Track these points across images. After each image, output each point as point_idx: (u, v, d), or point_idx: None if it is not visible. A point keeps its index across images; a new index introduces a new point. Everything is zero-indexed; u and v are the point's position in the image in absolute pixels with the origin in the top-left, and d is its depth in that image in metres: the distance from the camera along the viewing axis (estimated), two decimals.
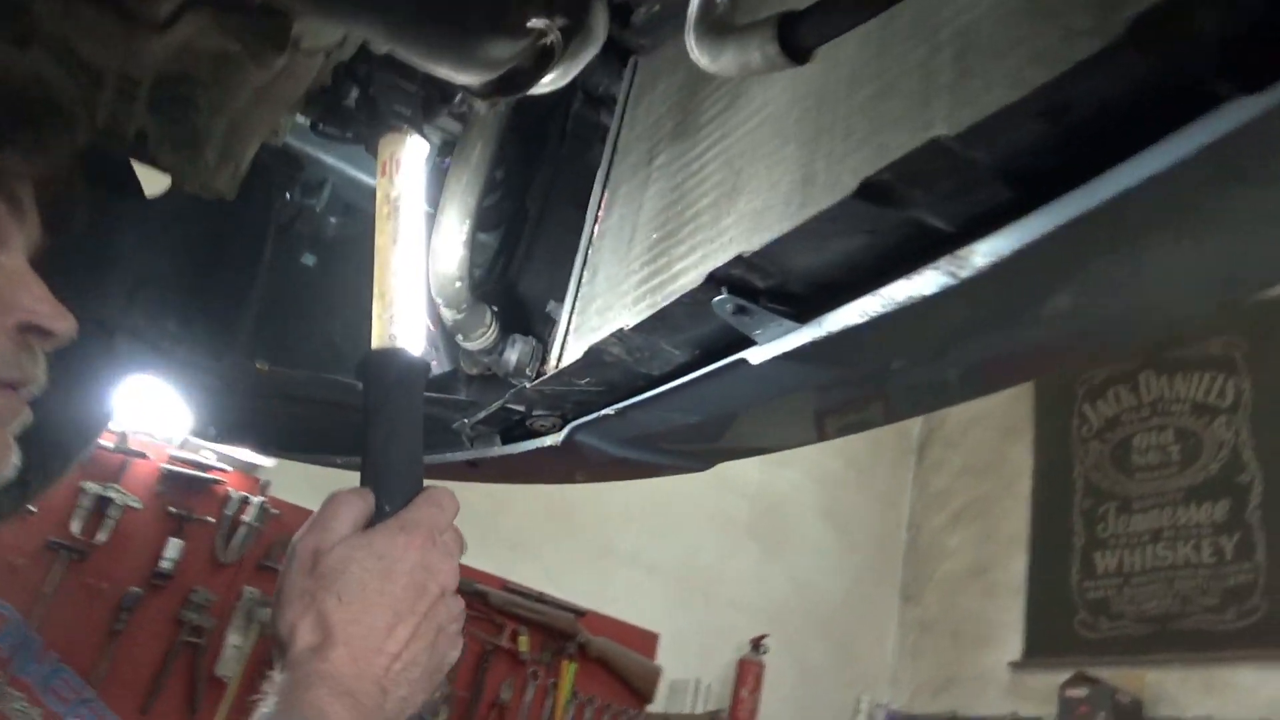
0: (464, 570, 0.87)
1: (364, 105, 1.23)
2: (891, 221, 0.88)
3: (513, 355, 1.40)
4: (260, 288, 1.70)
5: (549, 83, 0.87)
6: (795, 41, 0.75)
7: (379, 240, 1.05)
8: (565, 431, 1.37)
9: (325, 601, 0.75)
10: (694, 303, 1.06)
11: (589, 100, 1.68)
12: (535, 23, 0.77)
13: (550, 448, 1.41)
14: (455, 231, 1.23)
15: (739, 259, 0.97)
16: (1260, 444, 4.35)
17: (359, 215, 1.66)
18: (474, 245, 1.27)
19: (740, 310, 1.03)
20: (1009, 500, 5.43)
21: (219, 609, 3.72)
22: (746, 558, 5.19)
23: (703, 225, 1.20)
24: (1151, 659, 4.39)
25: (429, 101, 1.14)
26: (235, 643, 3.70)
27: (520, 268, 1.54)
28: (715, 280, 1.02)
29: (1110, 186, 0.72)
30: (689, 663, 4.63)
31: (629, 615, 4.58)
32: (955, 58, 0.90)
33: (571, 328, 1.43)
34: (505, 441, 1.52)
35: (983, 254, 0.83)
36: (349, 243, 1.81)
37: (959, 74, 0.88)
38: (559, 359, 1.40)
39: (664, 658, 4.58)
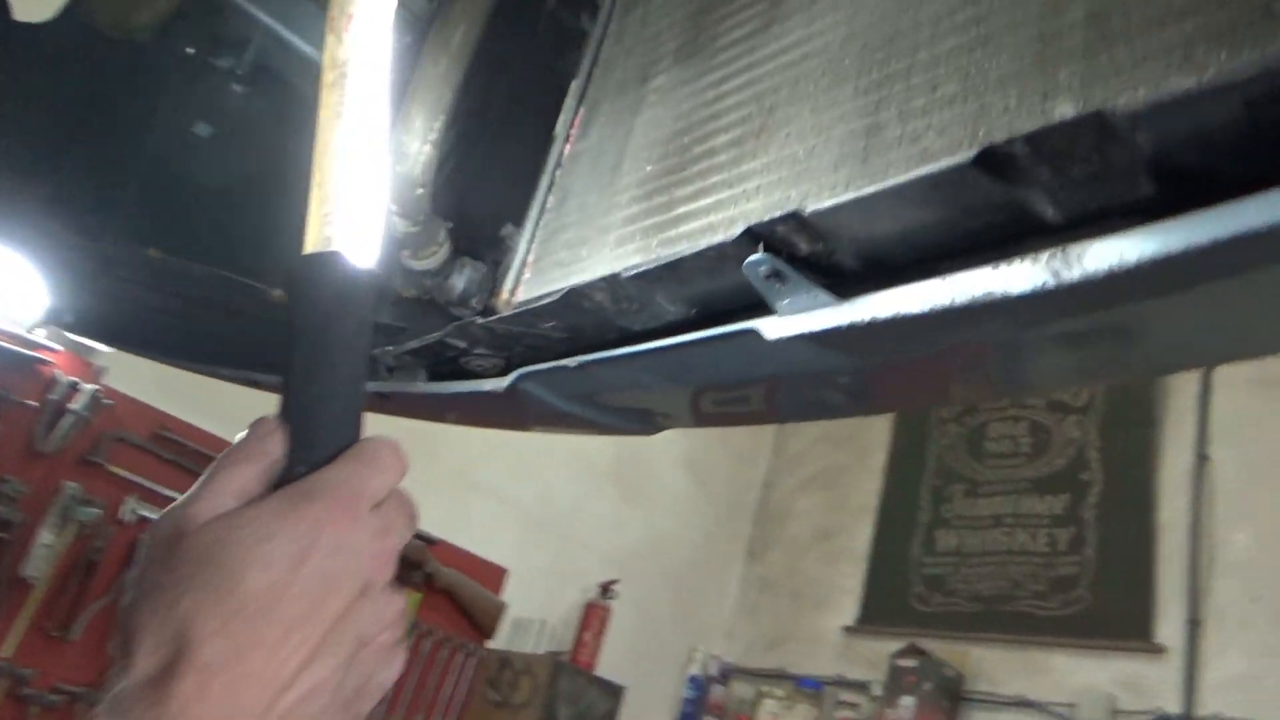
0: None
1: None
2: (994, 200, 0.75)
3: (459, 281, 1.21)
4: (146, 157, 1.42)
5: None
6: None
7: (321, 115, 0.82)
8: (511, 378, 1.19)
9: (179, 606, 0.51)
10: (718, 257, 0.90)
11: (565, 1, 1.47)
12: None
13: (489, 393, 1.23)
14: (424, 127, 1.03)
15: (793, 216, 0.82)
16: (1105, 446, 4.58)
17: (279, 85, 1.40)
18: (443, 149, 1.07)
19: (775, 275, 0.88)
20: (862, 471, 5.56)
21: (31, 503, 3.33)
22: (604, 501, 5.12)
23: (718, 166, 1.04)
24: (978, 637, 4.61)
25: None
26: (46, 541, 3.32)
27: (474, 179, 1.34)
28: (753, 235, 0.86)
29: None
30: (536, 601, 4.53)
31: (481, 549, 4.43)
32: (1089, 19, 0.77)
33: (530, 258, 1.24)
34: (432, 378, 1.32)
35: (1099, 256, 0.71)
36: (256, 119, 1.54)
37: (1098, 38, 0.75)
38: (512, 292, 1.22)
39: (511, 594, 4.47)
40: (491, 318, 1.14)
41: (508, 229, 1.28)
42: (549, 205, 1.28)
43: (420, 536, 4.13)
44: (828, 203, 0.80)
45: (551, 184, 1.30)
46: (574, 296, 1.04)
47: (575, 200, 1.24)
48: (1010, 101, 0.78)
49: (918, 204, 0.78)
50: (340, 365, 0.65)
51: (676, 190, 1.07)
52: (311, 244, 0.74)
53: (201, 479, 0.57)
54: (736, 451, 5.87)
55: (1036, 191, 0.74)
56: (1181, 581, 3.98)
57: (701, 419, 1.34)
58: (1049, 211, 0.75)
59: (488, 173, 1.36)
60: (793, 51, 1.04)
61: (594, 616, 4.59)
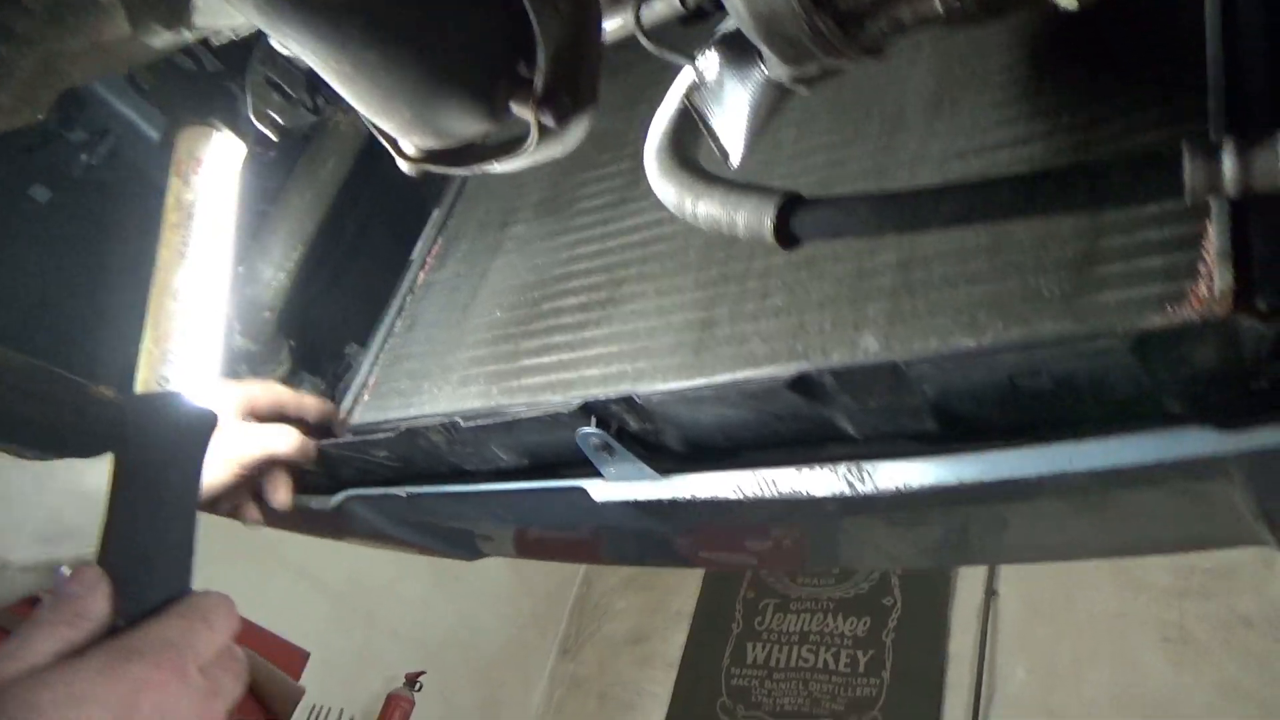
0: None
1: (207, 80, 1.00)
2: (803, 413, 0.84)
3: None
4: None
5: (492, 169, 0.74)
6: (790, 227, 0.68)
7: (162, 254, 0.84)
8: (339, 498, 1.20)
9: None
10: (553, 422, 0.95)
11: None
12: (520, 111, 0.64)
13: (316, 510, 1.23)
14: (281, 256, 1.04)
15: (626, 400, 0.88)
16: (906, 573, 4.84)
17: (124, 161, 1.37)
18: (297, 276, 1.08)
19: (605, 447, 0.93)
20: (683, 576, 5.64)
21: None
22: (417, 584, 4.97)
23: (564, 327, 1.10)
24: None
25: (287, 103, 0.95)
26: None
27: (322, 294, 1.34)
28: (589, 409, 0.92)
29: (1051, 461, 0.71)
30: (336, 689, 4.32)
31: (281, 627, 4.21)
32: (900, 265, 0.87)
33: (371, 380, 1.26)
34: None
35: (891, 476, 0.80)
36: (100, 188, 1.50)
37: (903, 284, 0.86)
38: (349, 413, 1.23)
39: (310, 679, 4.25)
40: (328, 441, 1.14)
41: (352, 348, 1.30)
42: (396, 329, 1.30)
43: None
44: (660, 388, 0.86)
45: (402, 308, 1.32)
46: (410, 435, 1.07)
47: (423, 331, 1.27)
48: (826, 324, 0.88)
49: (737, 405, 0.85)
50: (174, 513, 0.63)
51: (522, 342, 1.12)
52: (145, 382, 0.74)
53: (16, 632, 0.54)
54: None
55: (840, 412, 0.82)
56: (966, 711, 4.22)
57: (525, 550, 1.37)
58: (849, 429, 0.84)
59: (339, 287, 1.37)
60: (643, 232, 1.12)
61: (395, 708, 4.42)
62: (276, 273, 1.04)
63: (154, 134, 1.24)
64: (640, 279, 1.07)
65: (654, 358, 0.98)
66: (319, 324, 1.35)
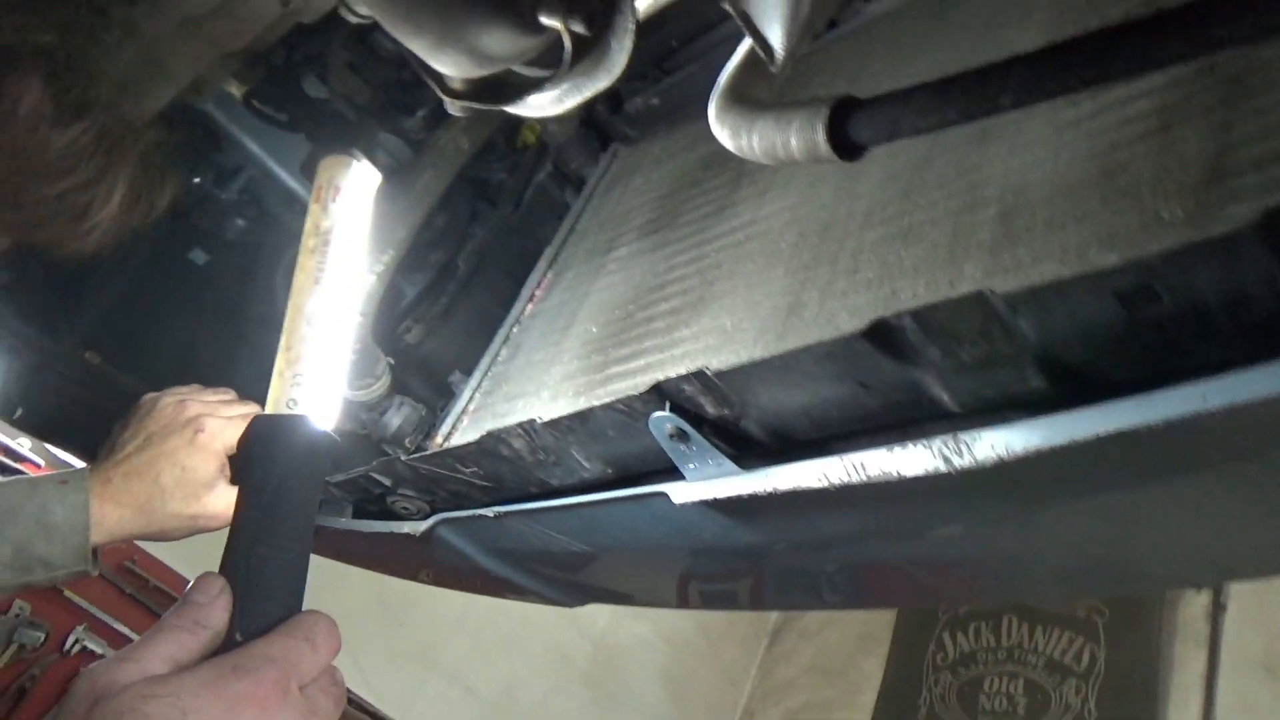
0: None
1: (310, 103, 1.05)
2: (890, 378, 0.74)
3: (395, 419, 1.19)
4: (128, 270, 1.46)
5: (538, 105, 0.70)
6: (847, 133, 0.60)
7: (298, 278, 0.85)
8: (430, 522, 1.16)
9: None
10: (627, 412, 0.89)
11: (557, 174, 1.54)
12: (549, 20, 0.61)
13: (406, 535, 1.19)
14: (372, 258, 1.05)
15: (697, 375, 0.81)
16: (1103, 717, 4.31)
17: (269, 221, 1.45)
18: (389, 281, 1.09)
19: (679, 435, 0.86)
20: (851, 710, 5.25)
21: None
22: (572, 702, 4.85)
23: (655, 331, 1.04)
24: None
25: (385, 110, 0.97)
26: None
27: (432, 327, 1.35)
28: (660, 393, 0.85)
29: (1181, 403, 0.58)
30: None
31: None
32: (1000, 217, 0.78)
33: (471, 407, 1.23)
34: (356, 515, 1.29)
35: (991, 444, 0.68)
36: (249, 249, 1.59)
37: (1002, 235, 0.76)
38: (446, 437, 1.20)
39: None
40: (416, 456, 1.11)
41: (455, 376, 1.28)
42: (500, 358, 1.29)
43: (370, 712, 3.91)
44: (730, 363, 0.79)
45: (507, 338, 1.31)
46: (491, 441, 1.02)
47: (524, 357, 1.24)
48: (920, 288, 0.79)
49: (817, 374, 0.76)
50: (291, 531, 0.63)
51: (613, 351, 1.07)
52: (274, 403, 0.75)
53: (142, 638, 0.56)
54: (722, 668, 5.59)
55: (931, 375, 0.72)
56: None
57: (621, 587, 1.29)
58: (944, 397, 0.73)
59: (449, 323, 1.38)
60: (739, 233, 1.06)
61: None
62: (368, 276, 1.05)
63: (283, 172, 1.31)
64: (731, 277, 1.01)
65: (738, 347, 0.91)
66: (429, 357, 1.36)
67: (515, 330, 1.32)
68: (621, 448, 0.97)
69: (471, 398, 1.24)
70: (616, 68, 0.69)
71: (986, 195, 0.80)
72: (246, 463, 0.66)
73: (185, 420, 1.04)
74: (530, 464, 1.05)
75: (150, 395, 1.02)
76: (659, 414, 0.85)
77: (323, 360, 0.78)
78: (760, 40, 0.66)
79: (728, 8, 0.68)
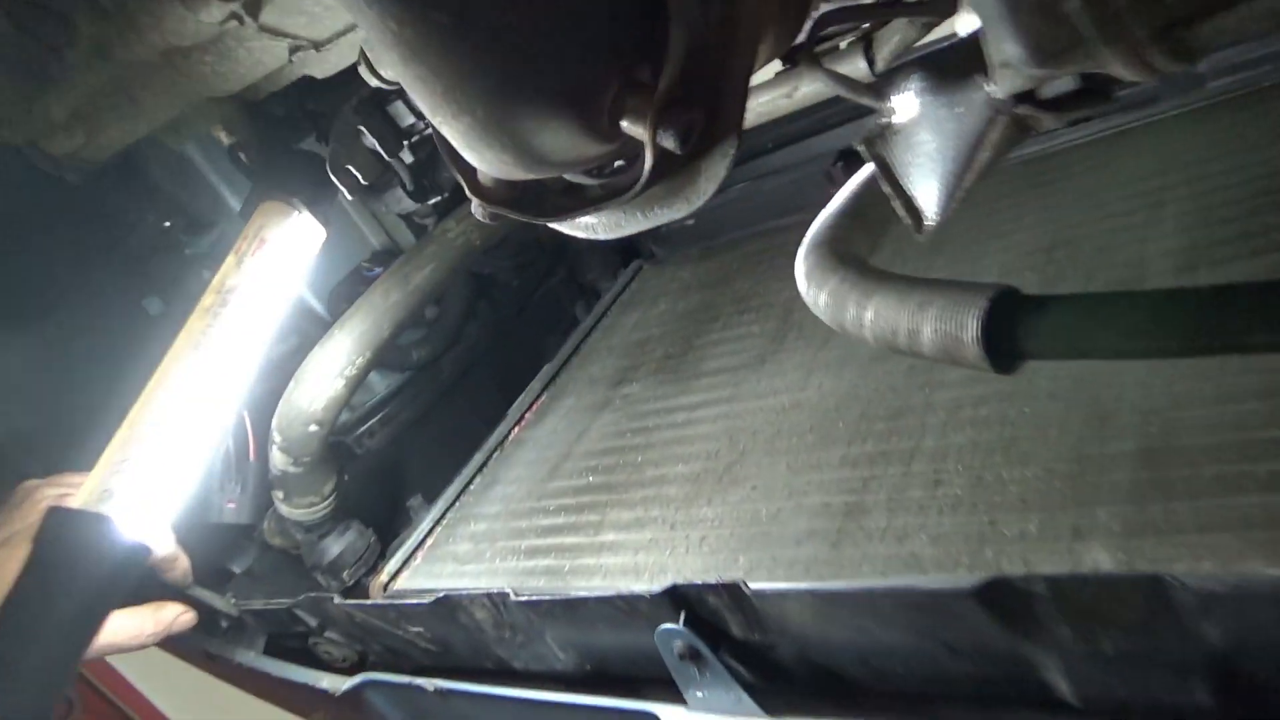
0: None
1: (302, 155, 0.89)
2: (992, 648, 0.56)
3: (336, 546, 0.99)
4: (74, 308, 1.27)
5: (588, 226, 0.54)
6: (1011, 338, 0.44)
7: (178, 339, 0.73)
8: (354, 682, 0.95)
9: None
10: (628, 610, 0.70)
11: (570, 281, 1.38)
12: (633, 129, 0.44)
13: (323, 691, 0.98)
14: (343, 360, 0.87)
15: (730, 589, 0.63)
16: None
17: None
18: (357, 387, 0.91)
19: (691, 655, 0.67)
20: None
21: None
22: None
23: (668, 499, 0.86)
24: None
25: (372, 159, 0.80)
26: None
27: (398, 435, 1.16)
28: (676, 598, 0.67)
29: None
30: None
31: None
32: (1142, 455, 0.61)
33: (428, 542, 1.04)
34: (270, 649, 1.08)
35: None
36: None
37: (1151, 482, 0.59)
38: (393, 575, 1.00)
39: None
40: (352, 602, 0.91)
41: (416, 500, 1.09)
42: (473, 486, 1.09)
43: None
44: (779, 585, 0.60)
45: (484, 464, 1.12)
46: (449, 606, 0.83)
47: (501, 490, 1.05)
48: (1030, 527, 0.61)
49: (892, 621, 0.58)
50: (56, 633, 0.55)
51: (611, 512, 0.89)
52: (87, 491, 0.63)
53: None
54: None
55: (1050, 654, 0.54)
56: None
57: None
58: (1062, 685, 0.56)
59: (422, 433, 1.19)
60: (782, 396, 0.89)
61: None
62: (334, 380, 0.87)
63: None
64: (770, 451, 0.83)
65: (775, 546, 0.73)
66: (386, 473, 1.16)
67: (496, 456, 1.13)
68: (609, 645, 0.78)
69: (431, 531, 1.05)
70: (699, 198, 0.52)
71: (1120, 420, 0.64)
72: (33, 554, 0.59)
73: None
74: (491, 639, 0.85)
75: (30, 483, 0.82)
76: (671, 626, 0.67)
77: (167, 449, 0.66)
78: (904, 197, 0.50)
79: (861, 150, 0.52)
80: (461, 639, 0.88)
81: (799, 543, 0.72)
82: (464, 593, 0.81)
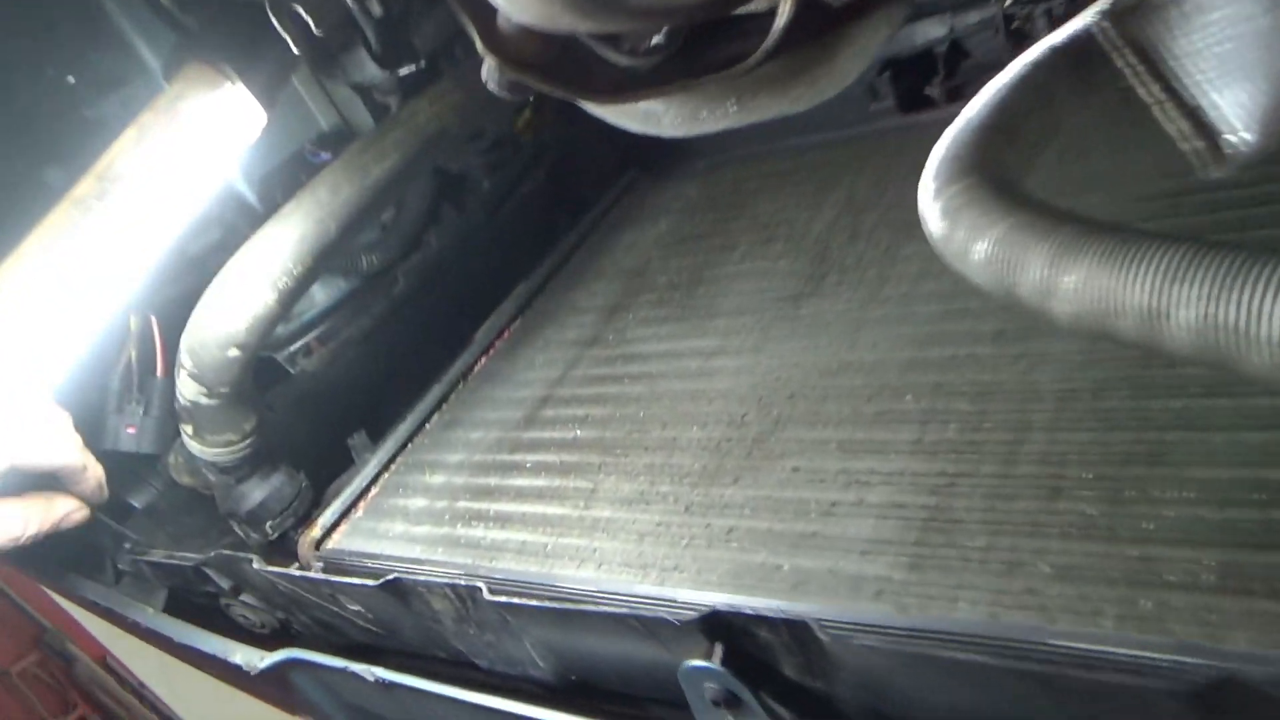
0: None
1: (248, 13, 0.67)
2: None
3: (258, 492, 0.81)
4: None
5: (665, 119, 0.36)
6: None
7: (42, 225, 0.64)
8: (275, 659, 0.78)
9: None
10: (645, 631, 0.54)
11: (551, 188, 1.18)
12: None
13: (238, 667, 0.81)
14: (276, 266, 0.67)
15: (791, 625, 0.47)
16: None
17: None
18: (293, 302, 0.71)
19: (728, 701, 0.51)
20: None
21: None
22: None
23: (681, 471, 0.69)
24: None
25: (337, 37, 0.60)
26: None
27: (340, 356, 0.97)
28: (714, 627, 0.50)
29: None
30: None
31: None
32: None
33: (373, 493, 0.86)
34: (171, 603, 0.90)
35: None
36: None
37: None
38: (327, 532, 0.83)
39: None
40: (275, 570, 0.73)
41: (359, 438, 0.90)
42: (429, 425, 0.91)
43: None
44: (863, 619, 0.44)
45: (444, 399, 0.94)
46: (399, 591, 0.66)
47: (463, 433, 0.87)
48: (1206, 573, 0.46)
49: (1000, 685, 0.43)
50: None
51: (605, 480, 0.72)
52: None
53: None
54: None
55: None
56: None
57: None
58: None
59: (368, 354, 1.00)
60: (826, 352, 0.72)
61: None
62: (263, 291, 0.67)
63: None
64: (814, 423, 0.67)
65: (830, 554, 0.56)
66: (324, 405, 0.97)
67: (458, 390, 0.95)
68: (606, 657, 0.61)
69: (376, 478, 0.87)
70: (832, 84, 0.35)
71: None
72: None
73: None
74: (449, 631, 0.68)
75: None
76: (703, 665, 0.51)
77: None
78: (1184, 105, 0.33)
79: (1098, 26, 0.34)
80: (410, 624, 0.71)
81: (864, 554, 0.56)
82: (420, 579, 0.64)
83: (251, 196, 0.97)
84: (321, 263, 0.71)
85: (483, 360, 0.98)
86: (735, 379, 0.76)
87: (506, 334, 1.00)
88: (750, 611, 0.49)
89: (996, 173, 0.43)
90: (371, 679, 0.73)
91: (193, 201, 0.61)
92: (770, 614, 0.48)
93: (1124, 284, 0.34)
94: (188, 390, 0.71)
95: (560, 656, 0.64)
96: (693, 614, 0.50)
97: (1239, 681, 0.36)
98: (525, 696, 0.66)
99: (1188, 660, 0.40)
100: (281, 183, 0.95)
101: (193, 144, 0.61)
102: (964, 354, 0.66)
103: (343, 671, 0.75)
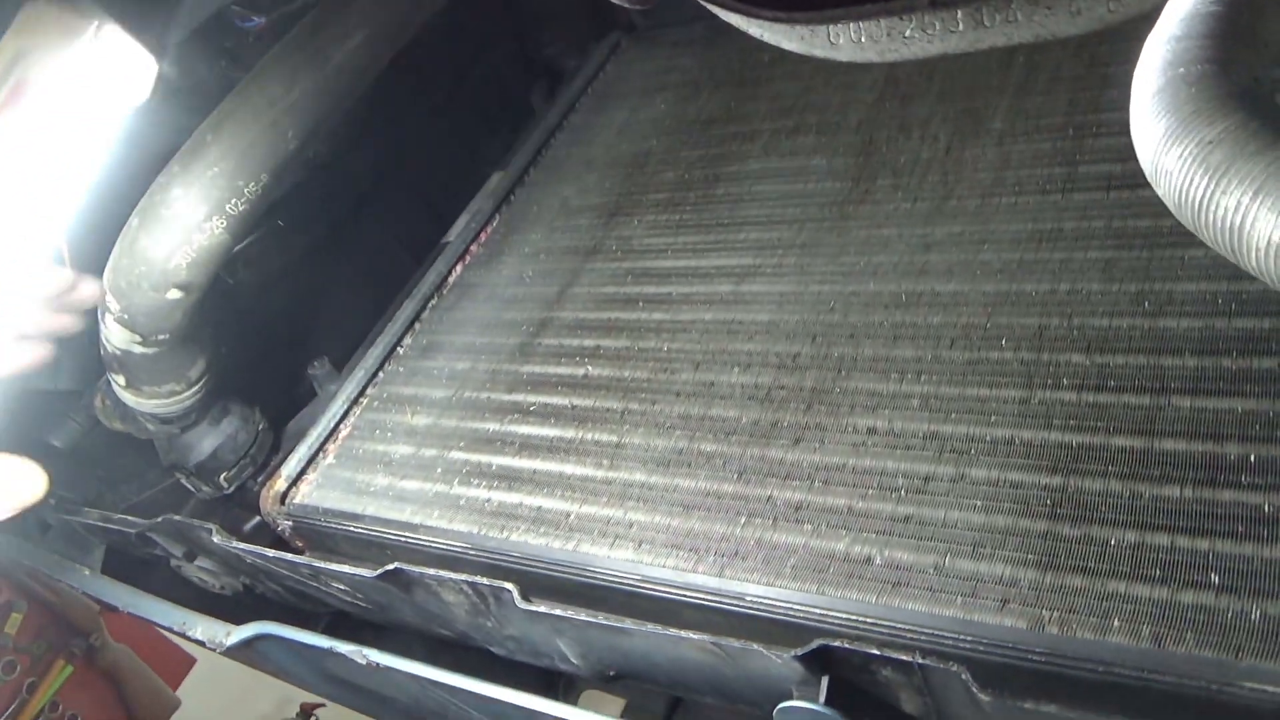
0: None
1: None
2: None
3: (209, 441, 0.68)
4: None
5: (848, 40, 0.23)
6: None
7: None
8: (246, 634, 0.67)
9: None
10: (723, 656, 0.44)
11: (523, 58, 1.01)
12: None
13: (197, 641, 0.70)
14: (224, 183, 0.52)
15: (938, 674, 0.38)
16: None
17: None
18: (247, 233, 0.57)
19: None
20: None
21: None
22: None
23: (725, 425, 0.59)
24: None
25: None
26: None
27: (288, 265, 0.83)
28: (819, 661, 0.41)
29: None
30: (218, 707, 3.73)
31: None
32: None
33: (343, 434, 0.74)
34: (109, 564, 0.78)
35: None
36: None
37: None
38: (293, 482, 0.71)
39: (190, 691, 3.66)
40: (242, 547, 0.62)
41: (320, 366, 0.77)
42: (402, 349, 0.79)
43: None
44: (1013, 656, 0.36)
45: (417, 317, 0.81)
46: (403, 582, 0.55)
47: (446, 362, 0.75)
48: None
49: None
50: None
51: (632, 434, 0.61)
52: None
53: None
54: None
55: None
56: None
57: None
58: None
59: (322, 266, 0.85)
60: (889, 276, 0.61)
61: None
62: (205, 223, 0.52)
63: None
64: (887, 370, 0.56)
65: (936, 546, 0.47)
66: (281, 318, 0.83)
67: (433, 306, 0.82)
68: (658, 663, 0.52)
69: (345, 415, 0.75)
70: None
71: None
72: None
73: None
74: (461, 621, 0.58)
75: None
76: (805, 706, 0.41)
77: None
78: None
79: None
80: (411, 612, 0.61)
81: (978, 547, 0.47)
82: (431, 574, 0.53)
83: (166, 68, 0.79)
84: (280, 178, 0.56)
85: (458, 269, 0.84)
86: (779, 310, 0.64)
87: (483, 236, 0.86)
88: (868, 652, 0.39)
89: (1260, 103, 0.31)
90: (364, 661, 0.63)
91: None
92: (898, 656, 0.38)
93: None
94: (116, 338, 0.57)
95: (600, 656, 0.54)
96: (798, 654, 0.40)
97: None
98: (541, 684, 0.57)
99: None
100: (205, 55, 0.77)
101: (42, 126, 0.45)
102: (1065, 290, 0.56)
103: (326, 651, 0.65)
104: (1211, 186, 0.30)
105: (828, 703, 0.41)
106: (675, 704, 0.77)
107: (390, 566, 0.54)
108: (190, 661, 3.84)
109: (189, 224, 0.54)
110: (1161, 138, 0.33)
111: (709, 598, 0.50)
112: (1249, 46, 0.34)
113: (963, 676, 0.37)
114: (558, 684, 0.73)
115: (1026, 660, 0.40)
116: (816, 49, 0.28)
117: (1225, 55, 0.33)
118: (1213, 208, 0.31)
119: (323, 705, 4.14)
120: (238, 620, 0.69)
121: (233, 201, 0.54)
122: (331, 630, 0.75)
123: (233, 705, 3.84)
